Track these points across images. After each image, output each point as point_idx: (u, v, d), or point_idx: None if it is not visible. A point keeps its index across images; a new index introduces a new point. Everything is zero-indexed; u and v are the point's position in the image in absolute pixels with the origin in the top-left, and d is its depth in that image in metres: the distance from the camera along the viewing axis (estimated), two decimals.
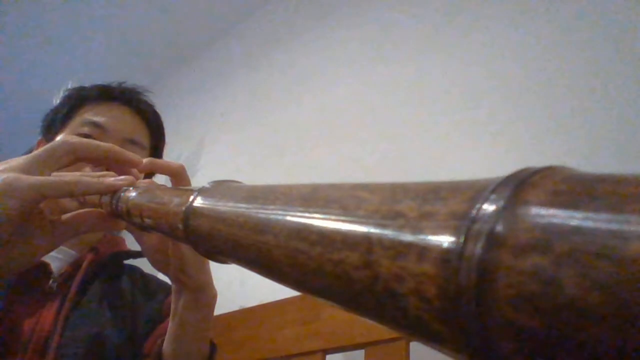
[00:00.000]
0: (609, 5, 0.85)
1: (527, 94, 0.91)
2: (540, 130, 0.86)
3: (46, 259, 0.67)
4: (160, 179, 0.58)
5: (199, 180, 1.43)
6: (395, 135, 1.08)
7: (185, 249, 0.51)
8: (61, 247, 0.71)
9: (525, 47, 0.94)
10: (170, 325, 0.57)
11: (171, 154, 1.56)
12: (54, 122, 0.79)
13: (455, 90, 1.01)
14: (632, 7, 0.83)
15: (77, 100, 0.79)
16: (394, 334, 0.73)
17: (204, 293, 0.55)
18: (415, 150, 1.02)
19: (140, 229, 0.42)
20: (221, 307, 1.03)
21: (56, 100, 0.83)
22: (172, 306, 0.56)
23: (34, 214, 0.41)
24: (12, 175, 0.38)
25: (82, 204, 0.49)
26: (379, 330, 0.75)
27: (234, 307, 1.05)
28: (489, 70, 0.98)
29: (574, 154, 0.80)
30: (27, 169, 0.39)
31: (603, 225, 0.10)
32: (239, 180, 0.31)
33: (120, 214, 0.40)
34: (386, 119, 1.11)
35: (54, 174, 0.41)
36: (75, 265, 0.70)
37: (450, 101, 1.01)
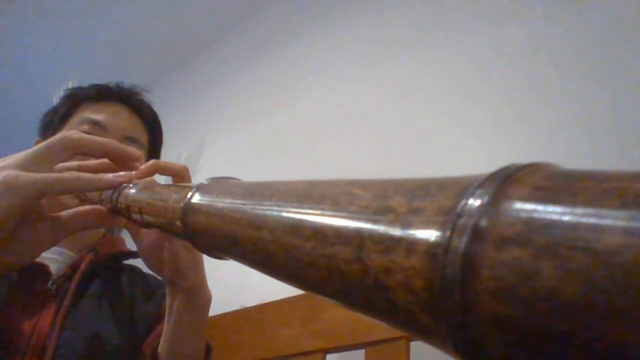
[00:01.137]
0: (609, 4, 0.86)
1: (527, 94, 0.91)
2: (540, 130, 0.87)
3: (45, 260, 0.67)
4: (161, 179, 0.58)
5: (199, 179, 1.43)
6: (395, 134, 1.08)
7: (181, 250, 0.51)
8: (60, 249, 0.71)
9: (525, 47, 0.95)
10: (166, 326, 0.57)
11: (171, 153, 1.57)
12: (52, 122, 0.79)
13: (456, 89, 1.01)
14: (632, 5, 0.83)
15: (75, 99, 0.80)
16: (394, 334, 0.73)
17: (199, 294, 0.55)
18: (415, 150, 1.03)
19: (140, 225, 0.43)
20: (221, 307, 1.04)
21: (56, 100, 0.84)
22: (167, 307, 0.56)
23: (34, 211, 0.41)
24: (12, 172, 0.38)
25: (83, 201, 0.49)
26: (379, 330, 0.75)
27: (234, 307, 1.05)
28: (489, 70, 0.98)
29: (574, 153, 0.81)
30: (26, 166, 0.39)
31: (580, 219, 0.10)
32: (239, 178, 0.31)
33: (120, 211, 0.41)
34: (386, 118, 1.12)
35: (56, 166, 0.42)
36: (74, 266, 0.69)
37: (451, 101, 1.01)
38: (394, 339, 0.75)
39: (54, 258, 0.70)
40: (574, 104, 0.84)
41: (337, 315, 0.82)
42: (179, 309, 0.55)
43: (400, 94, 1.11)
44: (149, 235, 0.53)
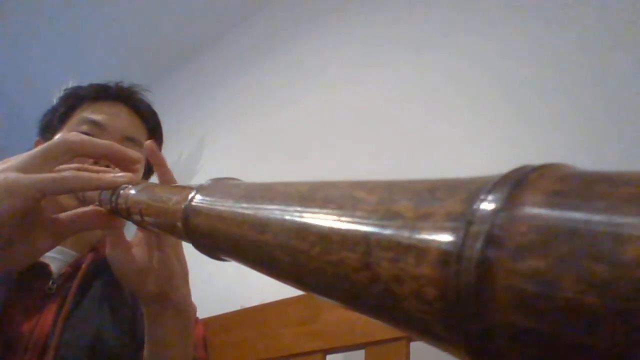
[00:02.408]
0: (608, 4, 0.85)
1: (527, 94, 0.91)
2: (541, 130, 0.86)
3: (46, 259, 0.66)
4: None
5: (199, 180, 1.43)
6: (395, 134, 1.08)
7: (173, 259, 0.50)
8: (61, 248, 0.71)
9: (525, 47, 0.94)
10: (149, 347, 0.53)
11: (171, 153, 1.56)
12: (51, 122, 0.79)
13: (457, 90, 1.01)
14: (631, 6, 0.83)
15: (75, 99, 0.79)
16: (394, 334, 0.73)
17: (188, 307, 0.53)
18: (416, 150, 1.02)
19: (140, 226, 0.42)
20: (221, 307, 1.04)
21: (56, 100, 0.83)
22: (151, 325, 0.53)
23: (34, 212, 0.41)
24: (11, 173, 0.38)
25: (82, 202, 0.49)
26: (380, 331, 0.75)
27: (234, 307, 1.05)
28: (489, 71, 0.98)
29: (575, 153, 0.80)
30: (26, 168, 0.39)
31: (599, 228, 0.10)
32: (239, 178, 0.31)
33: (120, 212, 0.40)
34: (386, 119, 1.11)
35: (56, 168, 0.41)
36: (75, 265, 0.69)
37: (451, 101, 1.01)
38: (394, 339, 0.74)
39: (54, 257, 0.69)
40: (574, 105, 0.84)
41: (337, 315, 0.82)
42: (168, 326, 0.52)
43: (400, 95, 1.11)
44: (129, 249, 0.50)
